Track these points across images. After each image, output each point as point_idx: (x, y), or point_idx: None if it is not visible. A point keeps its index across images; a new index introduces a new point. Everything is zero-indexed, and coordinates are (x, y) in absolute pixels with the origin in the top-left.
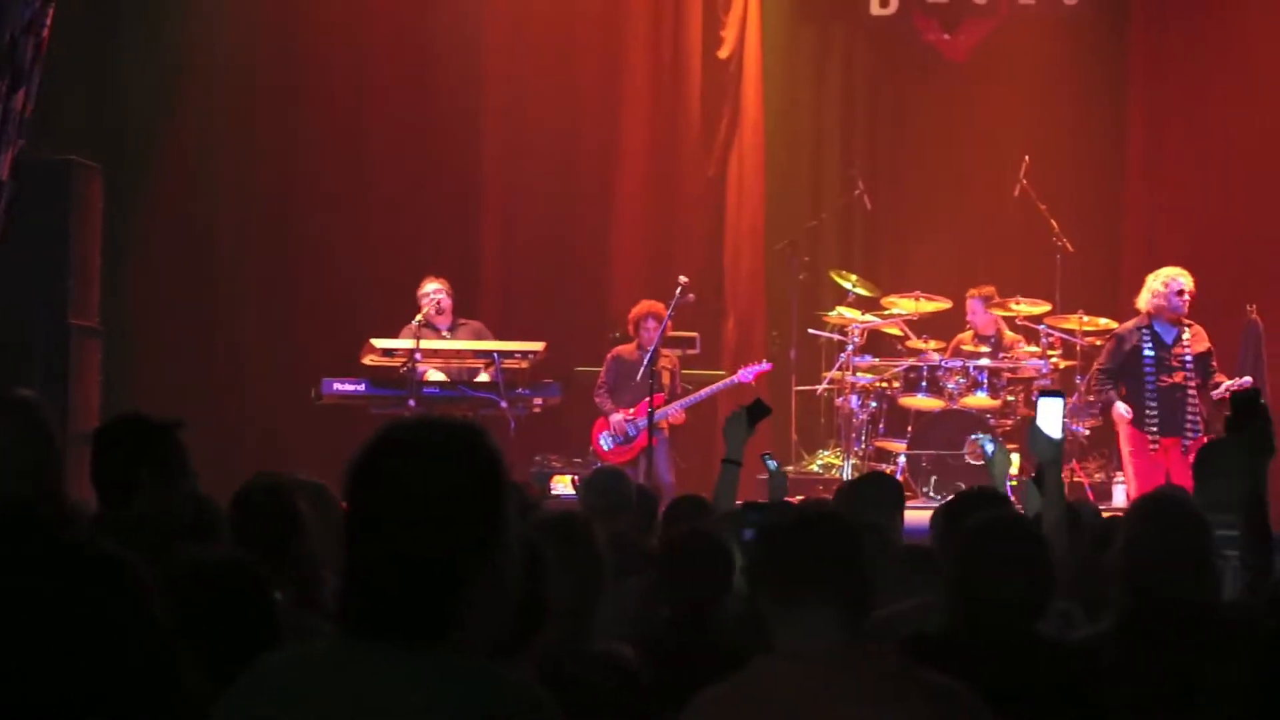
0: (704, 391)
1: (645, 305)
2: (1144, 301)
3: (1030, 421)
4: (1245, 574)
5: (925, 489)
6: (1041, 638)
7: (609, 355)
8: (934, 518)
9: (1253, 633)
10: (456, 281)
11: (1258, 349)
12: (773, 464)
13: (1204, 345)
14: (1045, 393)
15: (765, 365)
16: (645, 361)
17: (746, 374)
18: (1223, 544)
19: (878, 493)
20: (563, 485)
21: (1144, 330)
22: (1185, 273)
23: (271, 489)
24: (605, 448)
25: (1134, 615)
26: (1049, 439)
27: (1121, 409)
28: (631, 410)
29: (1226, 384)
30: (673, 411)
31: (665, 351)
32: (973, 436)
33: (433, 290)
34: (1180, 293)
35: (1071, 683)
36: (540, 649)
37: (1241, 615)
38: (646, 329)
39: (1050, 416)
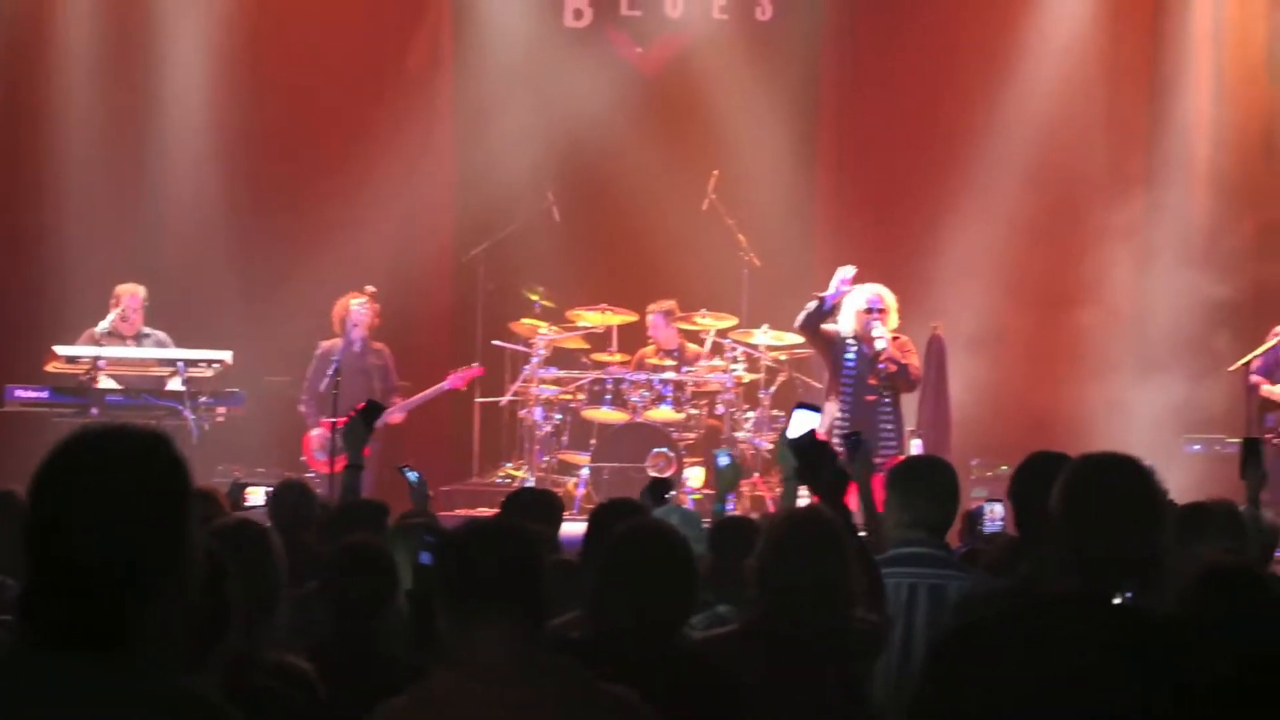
0: (415, 399)
1: (351, 299)
2: (844, 319)
3: (781, 433)
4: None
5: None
6: (684, 643)
7: (316, 352)
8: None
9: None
10: (150, 289)
11: (941, 365)
12: (412, 475)
13: (903, 360)
14: (802, 405)
15: (476, 369)
16: (334, 365)
17: (456, 379)
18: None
19: (536, 506)
20: (257, 497)
21: (848, 344)
22: (879, 288)
23: None
24: (318, 458)
25: (763, 618)
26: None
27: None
28: (340, 419)
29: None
30: (392, 413)
31: (378, 346)
32: (675, 451)
33: (126, 296)
34: (870, 310)
35: (710, 685)
36: (223, 659)
37: (868, 629)
38: (355, 325)
39: (803, 428)
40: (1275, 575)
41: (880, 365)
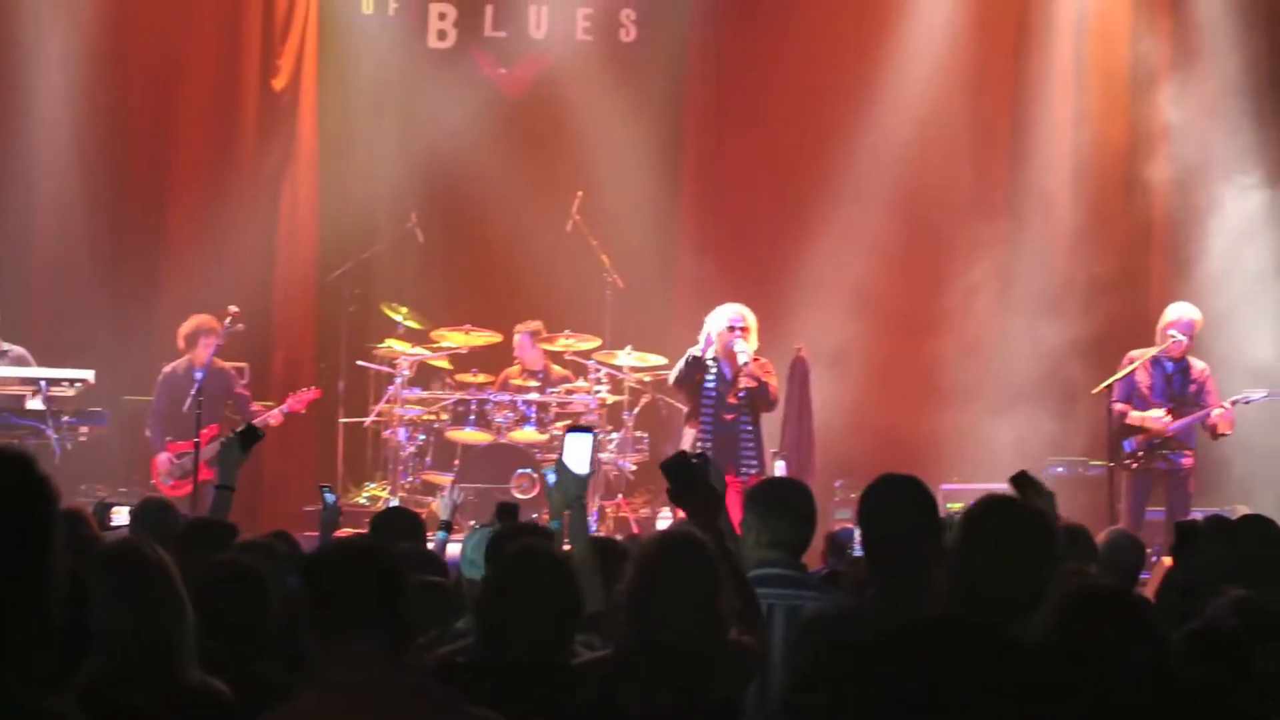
0: (269, 414)
1: (203, 320)
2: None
3: (558, 458)
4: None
5: (471, 522)
6: (567, 665)
7: (160, 375)
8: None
9: (754, 664)
10: (11, 305)
11: (804, 386)
12: (330, 496)
13: (763, 379)
14: (574, 428)
15: (314, 392)
16: (196, 384)
17: (295, 401)
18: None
19: (400, 526)
20: (121, 516)
21: (708, 365)
22: (741, 308)
23: None
24: (165, 484)
25: (635, 643)
26: (575, 475)
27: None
28: (186, 443)
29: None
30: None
31: (221, 365)
32: (538, 471)
33: None
34: (733, 328)
35: (590, 708)
36: (84, 680)
37: (742, 651)
38: (205, 345)
39: (578, 453)
40: (1144, 597)
41: (740, 380)
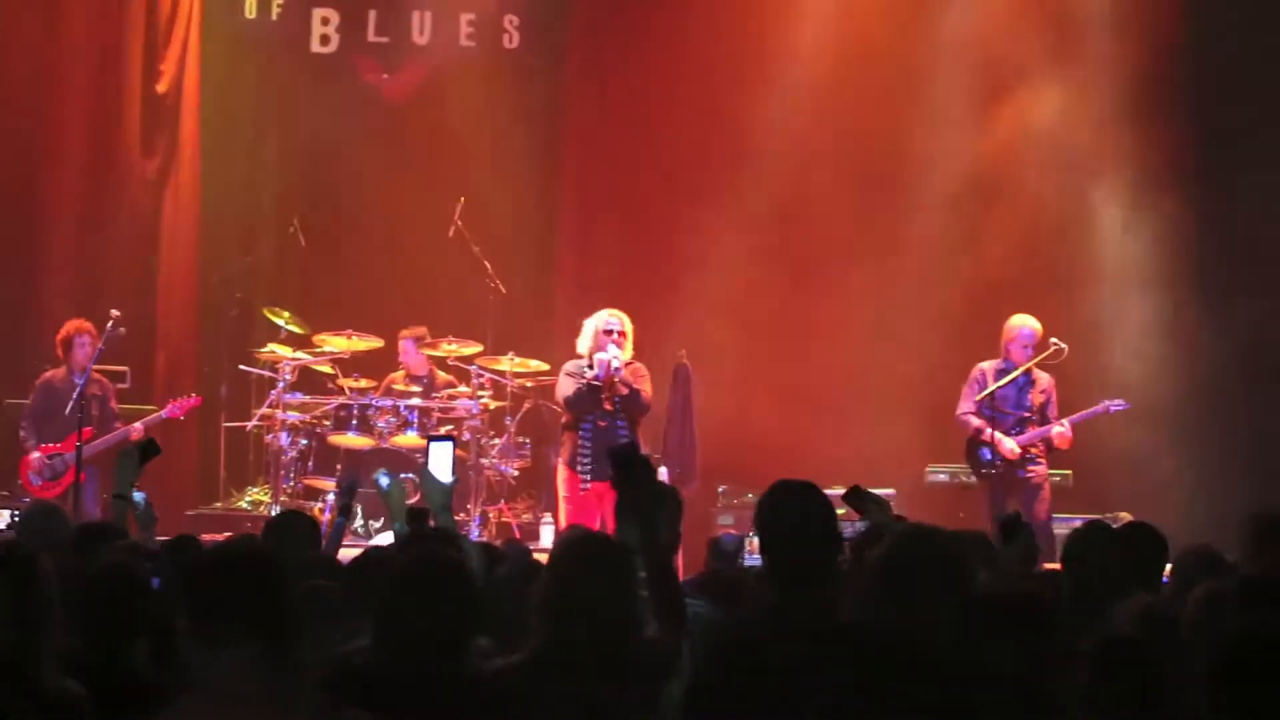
0: (130, 427)
1: (76, 324)
2: (582, 341)
3: (422, 466)
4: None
5: (353, 527)
6: (462, 671)
7: (38, 381)
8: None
9: (671, 662)
10: None
11: (686, 392)
12: (384, 480)
13: (635, 385)
14: (434, 437)
15: (193, 399)
16: (77, 388)
17: (175, 408)
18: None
19: (297, 530)
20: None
21: (588, 372)
22: (618, 313)
23: None
24: (34, 483)
25: (552, 647)
26: (439, 483)
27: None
28: (58, 444)
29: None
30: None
31: (97, 376)
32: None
33: None
34: (607, 332)
35: (492, 710)
36: None
37: (659, 651)
38: (80, 346)
39: (440, 461)
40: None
41: (614, 387)
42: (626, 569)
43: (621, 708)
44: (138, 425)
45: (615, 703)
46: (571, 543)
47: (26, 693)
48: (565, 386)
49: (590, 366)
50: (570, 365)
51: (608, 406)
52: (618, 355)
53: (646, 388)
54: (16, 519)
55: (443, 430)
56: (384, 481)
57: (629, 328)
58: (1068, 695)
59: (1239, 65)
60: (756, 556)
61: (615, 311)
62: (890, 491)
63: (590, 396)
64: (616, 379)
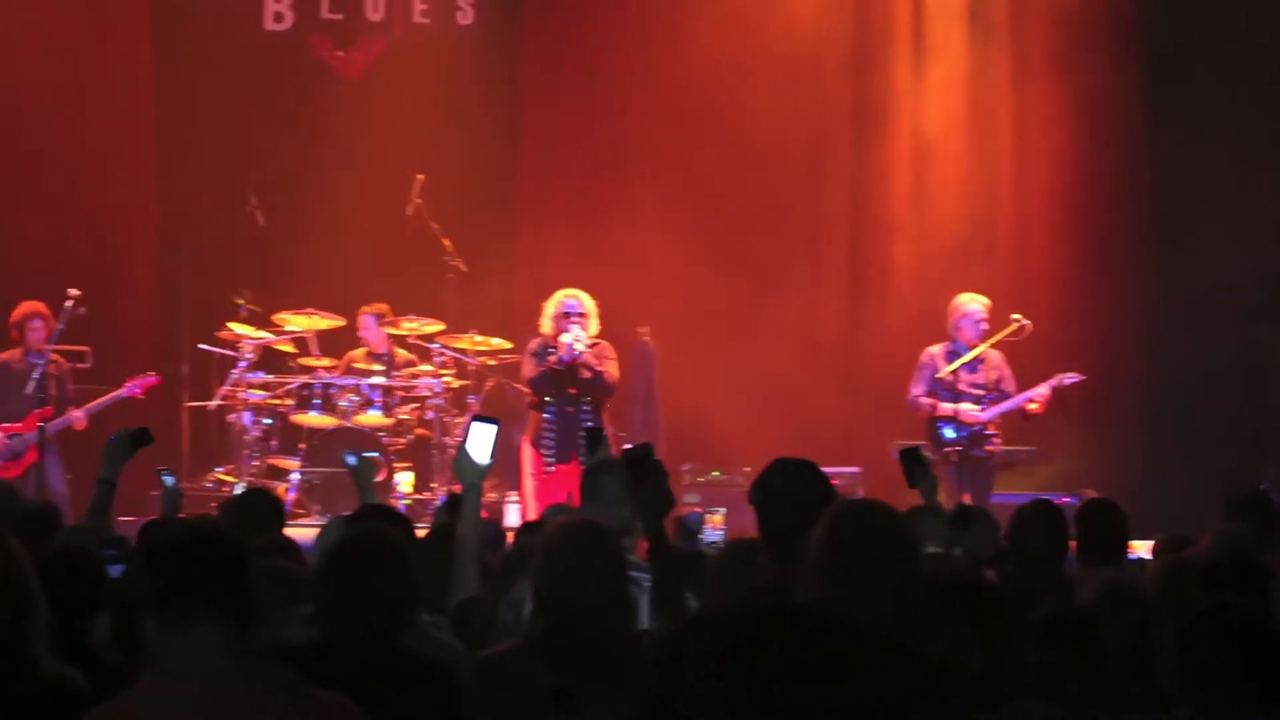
0: (95, 404)
1: (28, 305)
2: (545, 322)
3: (460, 445)
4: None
5: (318, 507)
6: (403, 651)
7: None
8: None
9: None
10: None
11: (649, 371)
12: (169, 480)
13: (598, 367)
14: (479, 418)
15: (152, 378)
16: (34, 369)
17: (134, 387)
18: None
19: (260, 509)
20: None
21: (549, 353)
22: (577, 293)
23: None
24: None
25: (544, 633)
26: (474, 464)
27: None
28: (19, 423)
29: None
30: (76, 418)
31: (54, 356)
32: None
33: None
34: (567, 315)
35: (432, 696)
36: None
37: (648, 640)
38: (33, 329)
39: (480, 441)
40: (990, 582)
41: (577, 370)
42: (617, 554)
43: (614, 696)
44: (78, 414)
45: (608, 690)
46: (560, 529)
47: (22, 676)
48: (528, 368)
49: (553, 348)
50: (534, 345)
51: (571, 390)
52: (580, 338)
53: (611, 369)
54: None
55: (403, 409)
56: (351, 460)
57: (590, 306)
58: (1015, 672)
59: None
60: (716, 533)
61: (573, 291)
62: (855, 470)
63: (554, 380)
64: (579, 362)
